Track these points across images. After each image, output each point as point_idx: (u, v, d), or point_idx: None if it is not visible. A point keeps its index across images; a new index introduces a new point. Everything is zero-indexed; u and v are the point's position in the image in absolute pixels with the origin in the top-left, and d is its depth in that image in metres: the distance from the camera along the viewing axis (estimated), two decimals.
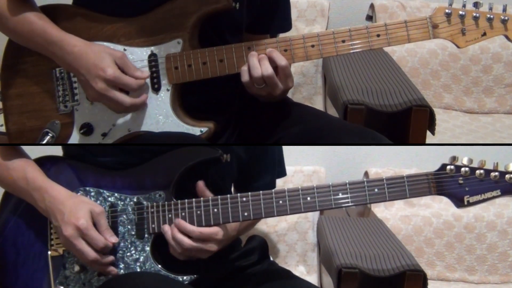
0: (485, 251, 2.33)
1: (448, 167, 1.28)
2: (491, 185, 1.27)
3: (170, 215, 1.33)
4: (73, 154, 1.44)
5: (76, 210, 1.30)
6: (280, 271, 1.53)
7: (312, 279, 2.21)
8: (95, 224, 1.32)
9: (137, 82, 1.40)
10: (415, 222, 2.32)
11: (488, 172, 1.27)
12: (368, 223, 2.22)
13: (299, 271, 2.22)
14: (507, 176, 1.26)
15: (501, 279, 2.33)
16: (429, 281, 1.79)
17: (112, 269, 1.34)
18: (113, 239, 1.33)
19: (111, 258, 1.33)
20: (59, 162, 1.42)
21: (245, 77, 1.40)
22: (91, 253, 1.30)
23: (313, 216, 2.27)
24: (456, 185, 1.28)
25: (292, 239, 2.24)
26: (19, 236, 1.40)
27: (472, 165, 1.28)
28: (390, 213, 2.33)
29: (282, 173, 1.63)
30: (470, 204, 1.28)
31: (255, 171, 1.56)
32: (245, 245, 1.58)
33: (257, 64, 1.39)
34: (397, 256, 1.84)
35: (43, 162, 1.41)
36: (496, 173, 1.27)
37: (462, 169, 1.28)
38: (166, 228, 1.32)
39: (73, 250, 1.32)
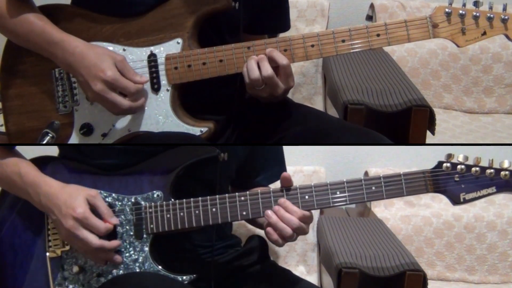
0: (485, 251, 2.32)
1: (444, 164, 1.29)
2: (487, 182, 1.28)
3: (168, 215, 1.33)
4: (69, 156, 1.44)
5: (71, 201, 1.30)
6: (280, 271, 1.53)
7: (312, 279, 2.21)
8: (94, 208, 1.32)
9: (135, 86, 1.41)
10: (415, 222, 2.32)
11: (483, 169, 1.28)
12: (368, 223, 2.22)
13: (299, 271, 2.21)
14: (502, 173, 1.27)
15: (501, 279, 2.33)
16: (429, 281, 1.78)
17: (117, 257, 1.33)
18: (114, 219, 1.33)
19: (116, 242, 1.33)
20: (56, 162, 1.42)
21: (245, 79, 1.41)
22: (95, 240, 1.30)
23: (313, 216, 2.26)
24: (453, 182, 1.29)
25: None
26: (16, 237, 1.40)
27: (467, 163, 1.29)
28: (390, 213, 2.32)
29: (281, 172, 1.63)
30: (466, 201, 1.29)
31: (253, 170, 1.56)
32: (245, 245, 1.58)
33: (254, 66, 1.39)
34: (397, 256, 1.84)
35: (39, 162, 1.41)
36: (492, 170, 1.27)
37: (458, 166, 1.28)
38: (270, 212, 1.30)
39: (76, 241, 1.31)
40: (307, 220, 1.31)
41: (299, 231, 1.31)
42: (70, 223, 1.30)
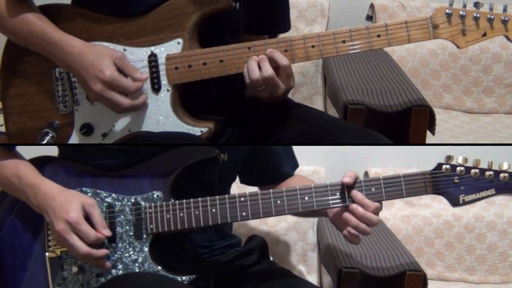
0: (485, 251, 2.32)
1: (444, 166, 1.30)
2: (486, 184, 1.28)
3: (168, 216, 1.33)
4: (68, 156, 1.44)
5: (67, 204, 1.30)
6: (280, 271, 1.53)
7: (312, 279, 2.21)
8: (88, 216, 1.31)
9: (134, 84, 1.40)
10: (415, 222, 2.32)
11: (483, 171, 1.28)
12: None
13: (299, 271, 2.21)
14: (501, 175, 1.28)
15: (501, 279, 2.33)
16: (429, 281, 1.78)
17: (106, 263, 1.33)
18: (106, 231, 1.31)
19: (104, 251, 1.32)
20: (55, 162, 1.42)
21: (246, 80, 1.40)
22: (83, 247, 1.29)
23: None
24: (452, 184, 1.29)
25: (292, 239, 2.24)
26: (16, 237, 1.40)
27: (467, 164, 1.29)
28: (390, 213, 2.32)
29: (295, 164, 1.65)
30: (465, 203, 1.29)
31: (270, 165, 1.57)
32: (245, 245, 1.58)
33: (255, 66, 1.39)
34: (397, 256, 1.84)
35: (39, 163, 1.41)
36: (491, 172, 1.28)
37: (458, 168, 1.29)
38: (347, 215, 1.30)
39: (66, 245, 1.31)
40: (379, 211, 1.32)
41: (374, 225, 1.32)
42: (62, 226, 1.29)
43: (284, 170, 1.60)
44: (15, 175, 1.37)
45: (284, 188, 1.32)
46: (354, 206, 1.30)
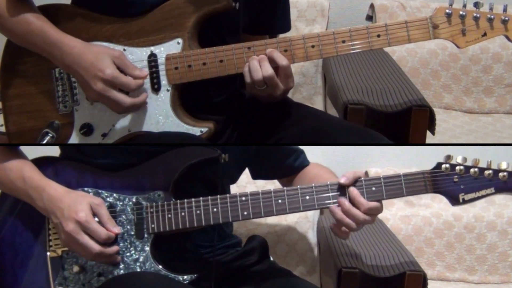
0: (485, 251, 2.32)
1: (444, 165, 1.31)
2: (485, 183, 1.29)
3: (169, 215, 1.33)
4: (70, 156, 1.44)
5: (75, 205, 1.30)
6: (280, 271, 1.53)
7: (312, 279, 2.21)
8: (96, 216, 1.31)
9: (135, 82, 1.40)
10: (415, 222, 2.32)
11: (482, 170, 1.29)
12: None
13: (299, 271, 2.21)
14: (500, 174, 1.29)
15: (501, 279, 2.33)
16: (429, 281, 1.78)
17: (118, 257, 1.33)
18: (116, 229, 1.32)
19: (115, 248, 1.32)
20: (57, 163, 1.42)
21: (246, 79, 1.41)
22: (95, 246, 1.29)
23: (313, 216, 2.26)
24: (452, 183, 1.30)
25: (292, 239, 2.23)
26: (17, 237, 1.40)
27: (466, 164, 1.30)
28: (390, 213, 2.32)
29: (302, 155, 1.63)
30: (465, 201, 1.30)
31: (274, 159, 1.57)
32: (245, 245, 1.58)
33: (258, 66, 1.39)
34: (397, 256, 1.84)
35: (41, 163, 1.41)
36: (490, 171, 1.29)
37: (457, 167, 1.30)
38: (334, 208, 1.31)
39: (76, 245, 1.31)
40: (377, 211, 1.32)
41: (360, 223, 1.31)
42: (71, 226, 1.29)
43: (289, 162, 1.58)
44: (20, 177, 1.36)
45: (285, 188, 1.32)
46: (342, 199, 1.31)
